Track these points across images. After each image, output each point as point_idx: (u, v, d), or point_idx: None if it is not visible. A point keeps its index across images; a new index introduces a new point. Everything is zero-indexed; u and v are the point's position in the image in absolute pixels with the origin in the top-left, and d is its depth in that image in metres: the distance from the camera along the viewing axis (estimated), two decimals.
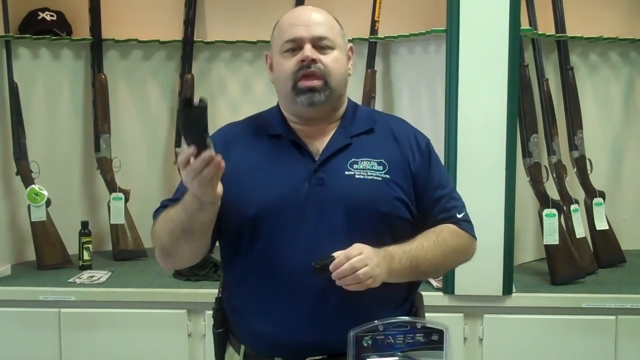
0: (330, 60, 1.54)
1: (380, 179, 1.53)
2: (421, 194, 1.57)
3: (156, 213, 1.58)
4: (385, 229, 1.52)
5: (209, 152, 1.34)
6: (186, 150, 1.35)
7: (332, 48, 1.55)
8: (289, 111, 1.60)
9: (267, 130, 1.60)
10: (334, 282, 1.43)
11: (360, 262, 1.41)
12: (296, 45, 1.53)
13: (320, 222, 1.49)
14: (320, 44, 1.53)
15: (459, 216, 1.62)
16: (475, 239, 1.66)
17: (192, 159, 1.35)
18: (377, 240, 1.49)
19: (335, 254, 1.42)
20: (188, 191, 1.43)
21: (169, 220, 1.50)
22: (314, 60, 1.52)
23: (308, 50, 1.52)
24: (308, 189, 1.51)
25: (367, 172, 1.53)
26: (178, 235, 1.48)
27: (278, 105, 1.64)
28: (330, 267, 1.41)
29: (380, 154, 1.55)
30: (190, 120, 1.34)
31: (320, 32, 1.54)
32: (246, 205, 1.51)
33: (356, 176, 1.52)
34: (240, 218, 1.51)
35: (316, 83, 1.52)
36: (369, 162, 1.54)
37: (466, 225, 1.63)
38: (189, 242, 1.50)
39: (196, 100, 1.32)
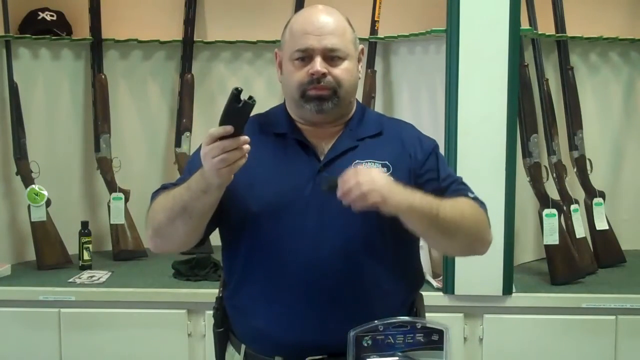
0: (341, 71, 1.53)
1: None
2: (430, 189, 1.53)
3: (155, 194, 1.57)
4: (387, 230, 1.52)
5: (245, 138, 1.35)
6: (223, 127, 1.34)
7: (343, 59, 1.53)
8: (296, 115, 1.60)
9: (274, 129, 1.60)
10: (335, 282, 1.44)
11: (366, 175, 1.38)
12: (306, 55, 1.52)
13: (322, 222, 1.49)
14: (331, 55, 1.52)
15: (472, 195, 1.58)
16: (490, 226, 1.59)
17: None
18: (378, 240, 1.50)
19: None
20: (197, 171, 1.42)
21: (170, 198, 1.49)
22: (324, 74, 1.51)
23: (318, 65, 1.51)
24: (312, 189, 1.51)
25: None
26: (176, 214, 1.46)
27: (285, 103, 1.64)
28: (338, 179, 1.39)
29: (385, 156, 1.55)
30: (233, 113, 1.34)
31: (332, 44, 1.52)
32: (250, 202, 1.51)
33: None
34: (244, 214, 1.52)
35: (325, 93, 1.52)
36: (373, 164, 1.53)
37: (482, 205, 1.58)
38: (184, 225, 1.48)
39: (244, 96, 1.33)
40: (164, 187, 1.57)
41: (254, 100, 1.34)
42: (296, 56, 1.53)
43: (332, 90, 1.52)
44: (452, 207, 1.48)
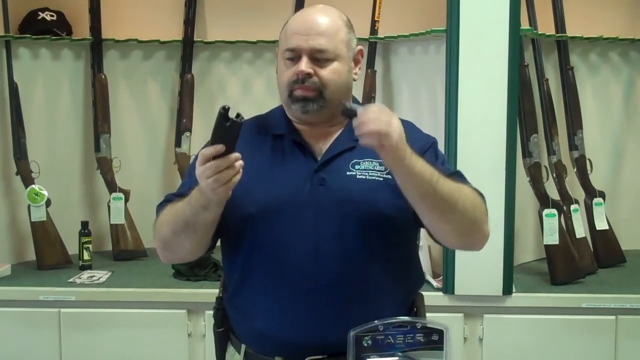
0: (328, 72, 1.52)
1: (381, 179, 1.52)
2: None
3: (160, 207, 1.58)
4: (386, 230, 1.52)
5: (236, 155, 1.36)
6: (214, 146, 1.34)
7: (331, 60, 1.53)
8: (288, 114, 1.60)
9: (272, 130, 1.60)
10: (334, 282, 1.45)
11: (388, 116, 1.38)
12: (295, 55, 1.53)
13: (320, 222, 1.49)
14: (317, 57, 1.52)
15: (472, 187, 1.54)
16: (488, 218, 1.54)
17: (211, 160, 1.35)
18: (377, 240, 1.50)
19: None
20: (196, 187, 1.43)
21: (172, 213, 1.50)
22: (308, 75, 1.51)
23: (303, 65, 1.51)
24: (309, 189, 1.51)
25: (368, 173, 1.52)
26: (180, 228, 1.48)
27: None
28: (359, 110, 1.38)
29: None
30: (222, 132, 1.34)
31: (319, 45, 1.51)
32: (248, 204, 1.51)
33: (357, 176, 1.52)
34: (242, 216, 1.52)
35: (310, 94, 1.52)
36: (370, 163, 1.53)
37: (481, 196, 1.54)
38: (189, 239, 1.49)
39: (232, 114, 1.33)
40: (168, 200, 1.58)
41: (242, 118, 1.34)
42: (286, 55, 1.54)
43: (317, 91, 1.52)
44: (450, 183, 1.46)
